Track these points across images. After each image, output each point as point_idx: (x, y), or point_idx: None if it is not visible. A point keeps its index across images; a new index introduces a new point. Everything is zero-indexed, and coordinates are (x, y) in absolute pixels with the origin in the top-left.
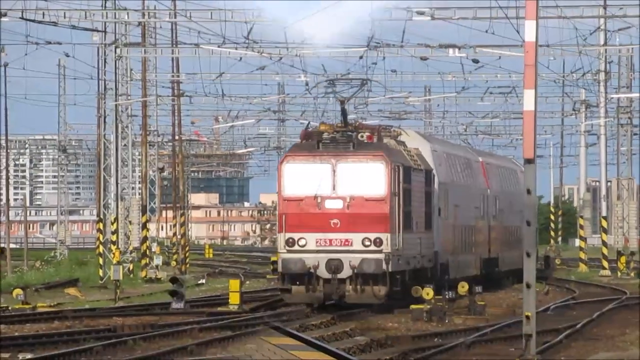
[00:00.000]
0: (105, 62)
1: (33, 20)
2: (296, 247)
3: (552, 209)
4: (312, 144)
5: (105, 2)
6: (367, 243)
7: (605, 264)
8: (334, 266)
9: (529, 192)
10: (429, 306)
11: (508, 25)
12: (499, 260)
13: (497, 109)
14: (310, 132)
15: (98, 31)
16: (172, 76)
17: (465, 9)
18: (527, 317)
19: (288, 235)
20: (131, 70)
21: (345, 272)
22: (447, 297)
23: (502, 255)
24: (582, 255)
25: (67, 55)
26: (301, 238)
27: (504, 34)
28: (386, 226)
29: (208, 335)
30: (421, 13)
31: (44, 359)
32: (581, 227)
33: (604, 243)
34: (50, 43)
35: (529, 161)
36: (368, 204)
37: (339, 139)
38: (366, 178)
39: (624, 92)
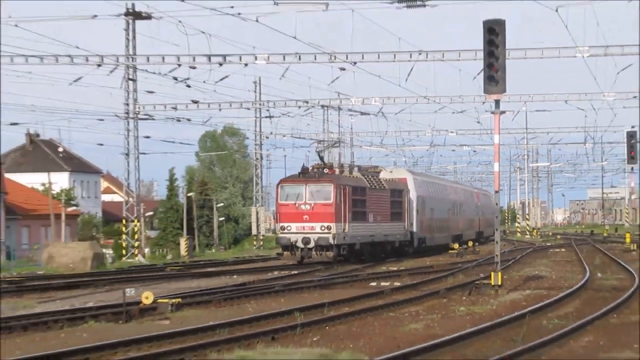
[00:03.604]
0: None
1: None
2: (286, 231)
3: (506, 211)
4: (297, 175)
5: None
6: (323, 228)
7: (527, 233)
8: (306, 241)
9: (497, 204)
10: (456, 251)
11: (487, 135)
12: (462, 235)
13: (485, 171)
14: (305, 168)
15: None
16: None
17: (469, 135)
18: (497, 255)
19: (282, 224)
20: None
21: (312, 244)
22: (464, 247)
23: (465, 233)
24: (518, 230)
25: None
26: (288, 225)
27: (486, 141)
28: (332, 219)
29: None
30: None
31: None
32: (517, 218)
33: (527, 225)
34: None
35: (496, 191)
36: (323, 207)
37: (311, 173)
38: (322, 193)
39: (534, 163)
